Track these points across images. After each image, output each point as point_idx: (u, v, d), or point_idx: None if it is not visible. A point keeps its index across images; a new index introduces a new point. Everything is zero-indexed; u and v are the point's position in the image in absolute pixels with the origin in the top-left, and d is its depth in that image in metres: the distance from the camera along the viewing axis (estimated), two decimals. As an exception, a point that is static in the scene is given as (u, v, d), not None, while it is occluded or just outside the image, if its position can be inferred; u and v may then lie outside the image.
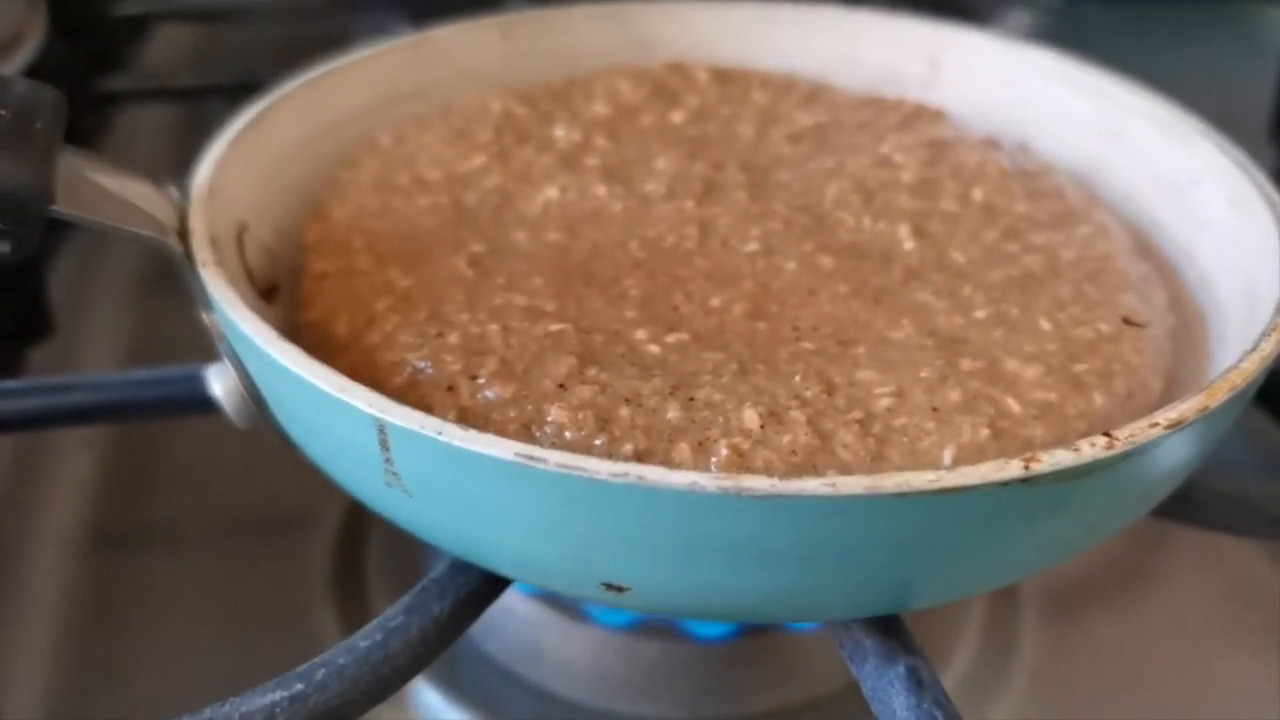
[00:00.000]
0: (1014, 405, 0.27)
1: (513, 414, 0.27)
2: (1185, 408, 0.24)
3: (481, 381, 0.27)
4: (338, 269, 0.32)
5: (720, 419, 0.26)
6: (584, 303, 0.30)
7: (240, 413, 0.29)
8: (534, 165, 0.37)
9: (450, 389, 0.27)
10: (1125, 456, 0.23)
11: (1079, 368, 0.29)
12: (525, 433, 0.26)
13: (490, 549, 0.26)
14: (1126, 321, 0.31)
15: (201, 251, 0.28)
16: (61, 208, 0.26)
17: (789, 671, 0.36)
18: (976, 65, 0.44)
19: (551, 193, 0.35)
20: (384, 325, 0.29)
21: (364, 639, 0.27)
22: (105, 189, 0.28)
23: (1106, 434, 0.23)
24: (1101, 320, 0.30)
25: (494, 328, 0.29)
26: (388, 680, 0.27)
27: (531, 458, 0.22)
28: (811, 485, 0.21)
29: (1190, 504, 0.32)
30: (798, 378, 0.28)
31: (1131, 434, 0.23)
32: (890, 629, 0.27)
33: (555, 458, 0.22)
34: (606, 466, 0.22)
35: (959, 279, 0.32)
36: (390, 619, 0.27)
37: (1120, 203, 0.39)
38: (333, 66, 0.40)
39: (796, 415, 0.26)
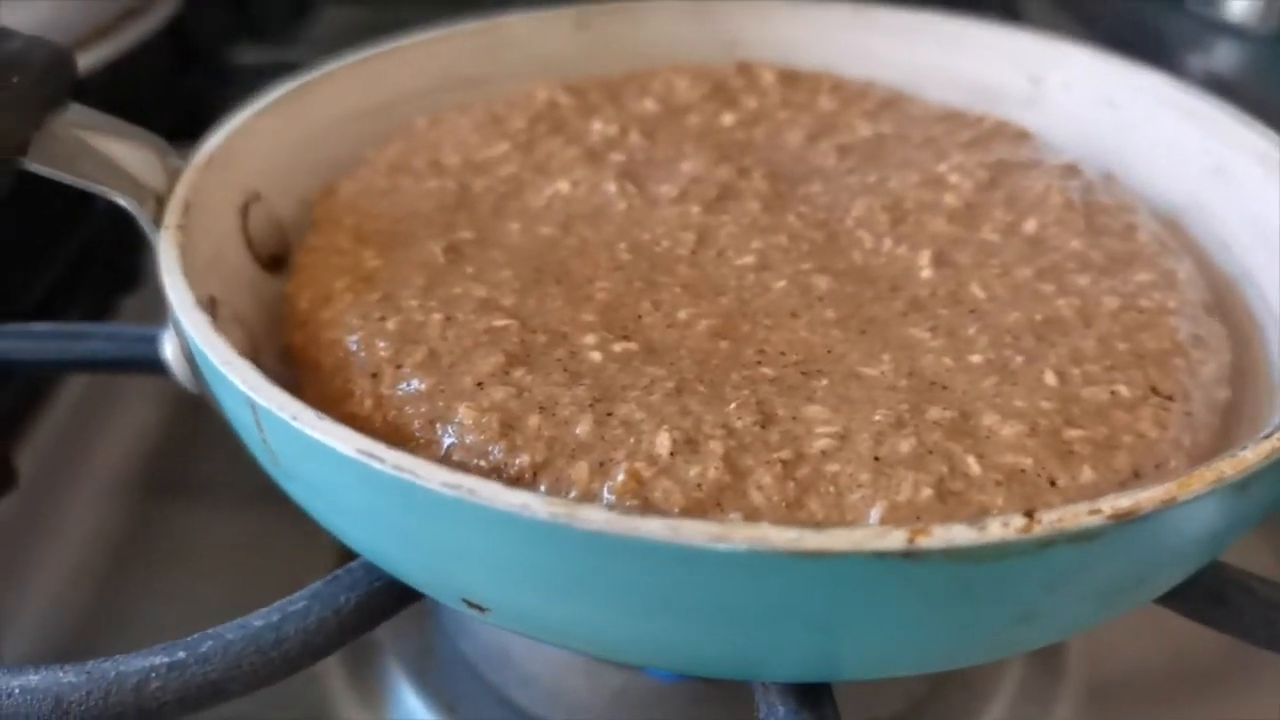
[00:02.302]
0: (974, 466, 0.24)
1: (424, 408, 0.26)
2: (1145, 497, 0.20)
3: (405, 371, 0.26)
4: (323, 244, 0.32)
5: (631, 440, 0.24)
6: (545, 301, 0.29)
7: (185, 377, 0.29)
8: (556, 157, 0.35)
9: (374, 375, 0.27)
10: (1047, 544, 0.19)
11: (1072, 434, 0.24)
12: (429, 430, 0.25)
13: (361, 544, 0.25)
14: (1154, 390, 0.26)
15: (170, 216, 0.29)
16: (34, 161, 0.27)
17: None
18: (1080, 84, 0.39)
19: (562, 186, 0.34)
20: (337, 304, 0.29)
21: (259, 619, 0.26)
22: (92, 148, 0.29)
23: (1029, 513, 0.19)
24: (1123, 383, 0.26)
25: (437, 317, 0.28)
26: (275, 664, 0.26)
27: (371, 455, 0.21)
28: (649, 526, 0.19)
29: (1227, 608, 0.27)
30: (733, 405, 0.25)
31: (1061, 518, 0.19)
32: (810, 699, 0.24)
33: (393, 458, 0.21)
34: (440, 475, 0.20)
35: (968, 316, 0.28)
36: (292, 603, 0.27)
37: (1216, 251, 0.34)
38: (390, 47, 0.40)
39: (715, 446, 0.24)
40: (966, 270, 0.30)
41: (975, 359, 0.27)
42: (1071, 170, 0.35)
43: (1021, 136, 0.37)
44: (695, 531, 0.19)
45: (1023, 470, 0.24)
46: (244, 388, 0.23)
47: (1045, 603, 0.21)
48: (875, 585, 0.20)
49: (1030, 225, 0.32)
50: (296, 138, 0.36)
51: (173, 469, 0.45)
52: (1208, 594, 0.27)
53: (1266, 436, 0.21)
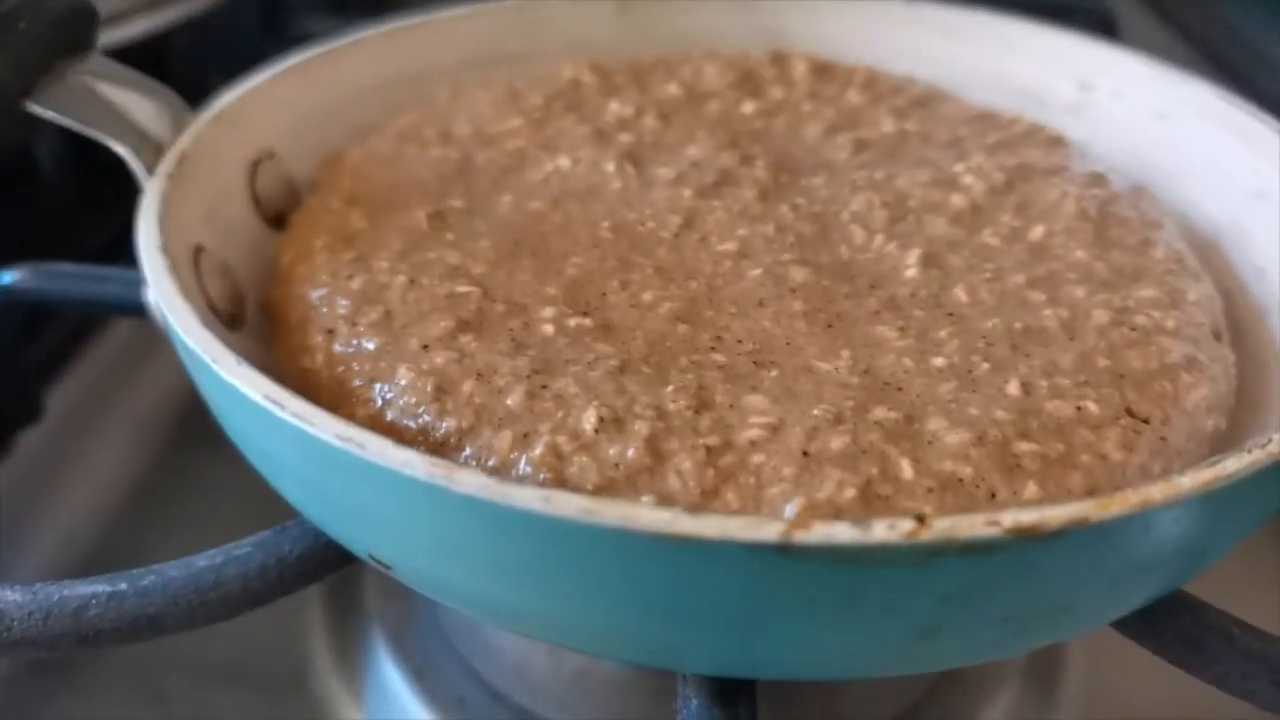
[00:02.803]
0: (907, 470, 0.22)
1: (368, 367, 0.26)
2: (1053, 513, 0.18)
3: (360, 329, 0.27)
4: (317, 205, 0.32)
5: (560, 414, 0.24)
6: (515, 272, 0.29)
7: (160, 321, 0.30)
8: (565, 135, 0.35)
9: (330, 331, 0.27)
10: (936, 553, 0.18)
11: (1023, 447, 0.23)
12: (368, 388, 0.25)
13: (284, 493, 0.25)
14: (1129, 411, 0.24)
15: (162, 165, 0.30)
16: (37, 104, 0.28)
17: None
18: (1130, 93, 0.37)
19: (563, 162, 0.34)
20: (313, 261, 0.29)
21: (204, 559, 0.27)
22: (100, 97, 0.30)
23: (919, 517, 0.18)
24: (1093, 400, 0.24)
25: (401, 279, 0.28)
26: (213, 605, 0.27)
27: (274, 401, 0.21)
28: (521, 494, 0.19)
29: (1201, 655, 0.25)
30: (671, 388, 0.24)
31: (954, 526, 0.18)
32: (726, 695, 0.24)
33: (294, 407, 0.21)
34: (334, 427, 0.20)
35: (944, 319, 0.27)
36: (237, 547, 0.27)
37: (1250, 277, 0.32)
38: (424, 19, 0.41)
39: (641, 427, 0.23)
40: (955, 273, 0.28)
41: (938, 362, 0.25)
42: (1097, 179, 0.33)
43: (1054, 142, 0.35)
44: (566, 504, 0.18)
45: (960, 479, 0.22)
46: (179, 328, 0.23)
47: (948, 619, 0.20)
48: (753, 579, 0.19)
49: (1036, 232, 0.30)
50: (321, 101, 0.37)
51: (202, 421, 0.47)
52: (1182, 636, 0.25)
53: (1210, 464, 0.20)
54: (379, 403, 0.25)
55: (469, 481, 0.19)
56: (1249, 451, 0.20)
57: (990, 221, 0.31)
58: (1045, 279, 0.28)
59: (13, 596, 0.26)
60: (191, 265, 0.29)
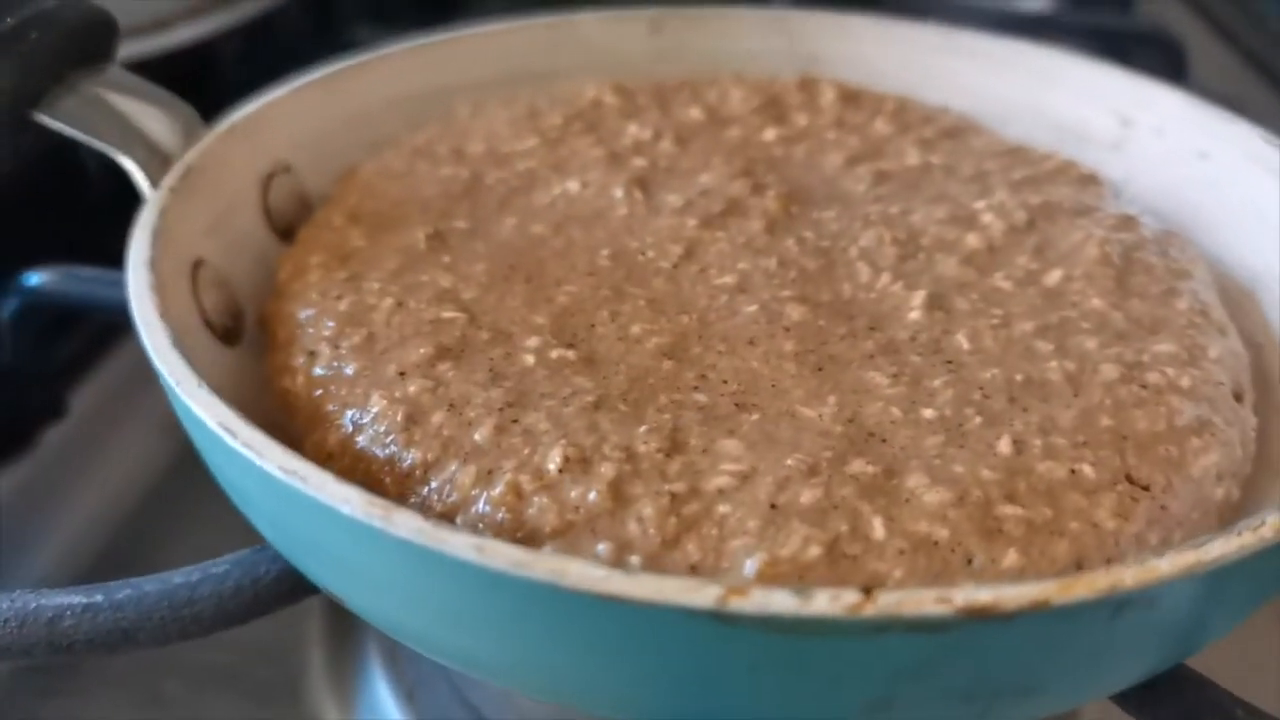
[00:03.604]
0: (878, 529, 0.21)
1: (344, 391, 0.25)
2: (1010, 594, 0.17)
3: (341, 351, 0.26)
4: (321, 220, 0.32)
5: (526, 450, 0.23)
6: (506, 298, 0.28)
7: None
8: (577, 157, 0.35)
9: (312, 354, 0.27)
10: (881, 628, 0.17)
11: (1007, 510, 0.22)
12: (340, 413, 0.25)
13: (250, 519, 0.25)
14: (1128, 477, 0.23)
15: (166, 178, 0.30)
16: (45, 115, 0.29)
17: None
18: (1172, 130, 0.35)
19: (572, 186, 0.33)
20: (307, 278, 0.29)
21: (181, 575, 0.27)
22: (113, 109, 0.30)
23: (866, 590, 0.17)
24: (1090, 463, 0.23)
25: (389, 302, 0.27)
26: (186, 622, 0.26)
27: (228, 429, 0.21)
28: (454, 541, 0.18)
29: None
30: (644, 427, 0.24)
31: (900, 602, 0.17)
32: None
33: (245, 435, 0.21)
34: (280, 459, 0.20)
35: (941, 367, 0.26)
36: (214, 564, 0.27)
37: (1287, 333, 0.30)
38: (453, 35, 0.40)
39: (607, 469, 0.22)
40: (960, 317, 0.27)
41: (928, 413, 0.24)
42: (1127, 222, 0.31)
43: (1087, 180, 0.34)
44: (497, 554, 0.18)
45: (935, 542, 0.21)
46: (150, 346, 0.23)
47: (901, 694, 0.19)
48: (693, 642, 0.18)
49: (1053, 277, 0.29)
50: (342, 115, 0.37)
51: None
52: (1182, 713, 0.24)
53: (1195, 545, 0.18)
54: (349, 428, 0.24)
55: (405, 525, 0.18)
56: (1239, 534, 0.18)
57: (1005, 263, 0.29)
58: (1056, 327, 0.27)
59: (-8, 602, 0.26)
60: (189, 278, 0.29)
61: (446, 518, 0.23)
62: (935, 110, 0.38)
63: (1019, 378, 0.25)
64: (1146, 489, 0.23)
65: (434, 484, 0.23)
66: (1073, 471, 0.23)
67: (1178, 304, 0.28)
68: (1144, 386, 0.25)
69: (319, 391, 0.26)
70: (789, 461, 0.23)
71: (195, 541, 0.39)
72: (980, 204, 0.32)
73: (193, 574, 0.27)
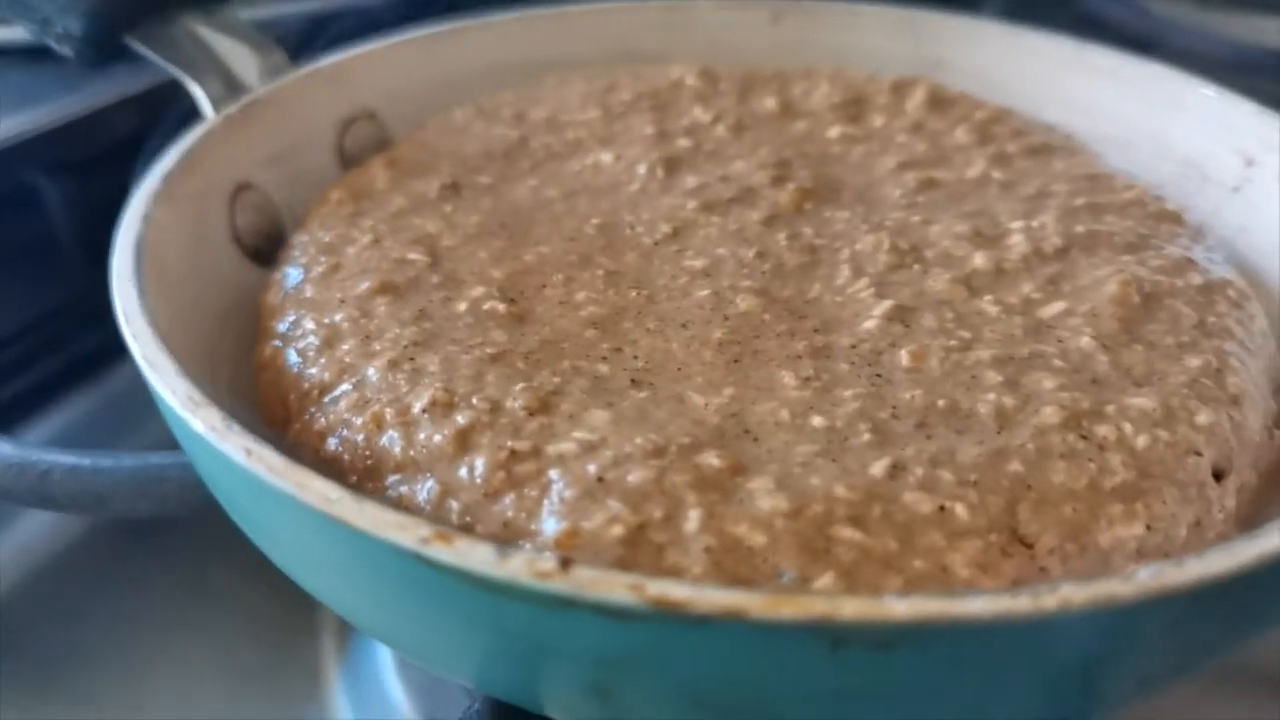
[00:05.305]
0: (692, 522, 0.20)
1: (292, 310, 0.27)
2: (708, 597, 0.16)
3: (311, 275, 0.28)
4: (368, 162, 0.34)
5: (405, 388, 0.24)
6: (478, 251, 0.29)
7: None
8: (628, 132, 0.34)
9: (286, 273, 0.29)
10: (566, 604, 0.16)
11: (845, 533, 0.20)
12: (280, 322, 0.27)
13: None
14: (1013, 531, 0.20)
15: (231, 107, 0.33)
16: (135, 39, 0.32)
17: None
18: (1293, 173, 0.30)
19: (605, 158, 0.33)
20: (321, 210, 0.31)
21: (158, 458, 0.30)
22: (202, 42, 0.34)
23: (565, 561, 0.16)
24: (966, 504, 0.20)
25: (367, 238, 0.29)
26: (152, 499, 0.29)
27: (192, 400, 0.22)
28: (231, 443, 0.19)
29: None
30: (522, 385, 0.23)
31: (592, 580, 0.16)
32: (500, 712, 0.23)
33: (150, 353, 0.22)
34: (209, 416, 0.21)
35: (864, 379, 0.24)
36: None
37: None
38: (560, 10, 0.41)
39: (462, 418, 0.23)
40: (918, 334, 0.25)
41: (816, 421, 0.22)
42: (1179, 265, 0.27)
43: (1161, 216, 0.30)
44: (263, 460, 0.19)
45: (748, 547, 0.20)
46: (120, 305, 0.25)
47: (615, 685, 0.17)
48: (406, 583, 0.18)
49: (1053, 309, 0.26)
50: (440, 75, 0.39)
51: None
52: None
53: (950, 596, 0.16)
54: (279, 344, 0.26)
55: (205, 421, 0.20)
56: (1014, 596, 0.16)
57: (1006, 288, 0.26)
58: (1020, 360, 0.24)
59: (3, 449, 0.30)
60: (229, 195, 0.32)
61: (321, 437, 0.24)
62: (1035, 126, 0.35)
63: (941, 404, 0.23)
64: (1029, 546, 0.20)
65: (326, 402, 0.24)
66: (941, 509, 0.20)
67: (1188, 360, 0.24)
68: (1084, 437, 0.22)
69: (281, 307, 0.28)
70: (638, 440, 0.22)
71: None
72: (1017, 224, 0.29)
73: (166, 459, 0.30)
